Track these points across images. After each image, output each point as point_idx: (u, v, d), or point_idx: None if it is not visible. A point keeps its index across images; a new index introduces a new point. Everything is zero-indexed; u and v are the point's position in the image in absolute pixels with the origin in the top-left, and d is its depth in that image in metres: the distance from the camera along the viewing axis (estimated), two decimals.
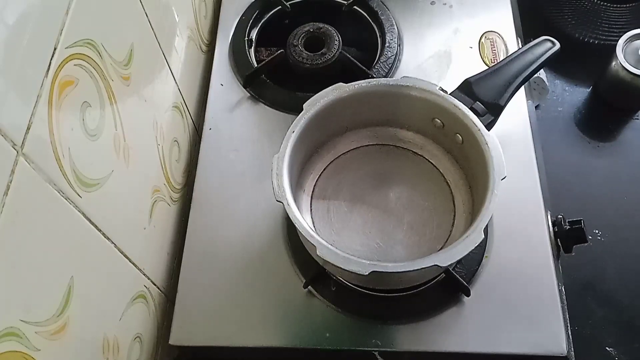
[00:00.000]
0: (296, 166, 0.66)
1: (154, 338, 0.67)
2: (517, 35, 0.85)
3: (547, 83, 0.93)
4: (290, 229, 0.71)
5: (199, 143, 0.79)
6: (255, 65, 0.84)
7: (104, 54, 0.54)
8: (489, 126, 0.64)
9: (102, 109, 0.54)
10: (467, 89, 0.67)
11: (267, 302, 0.68)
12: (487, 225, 0.57)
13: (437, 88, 0.65)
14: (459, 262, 0.66)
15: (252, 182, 0.75)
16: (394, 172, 0.71)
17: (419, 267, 0.55)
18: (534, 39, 0.71)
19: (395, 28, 0.85)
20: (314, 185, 0.71)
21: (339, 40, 0.82)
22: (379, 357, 0.65)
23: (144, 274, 0.64)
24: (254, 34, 0.88)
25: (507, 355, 0.63)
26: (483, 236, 0.55)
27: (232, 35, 0.88)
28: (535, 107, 0.86)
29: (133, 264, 0.60)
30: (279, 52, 0.83)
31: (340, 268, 0.55)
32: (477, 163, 0.62)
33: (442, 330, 0.65)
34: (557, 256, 0.69)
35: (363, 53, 0.86)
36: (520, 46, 0.80)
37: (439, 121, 0.67)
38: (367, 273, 0.54)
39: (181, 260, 0.71)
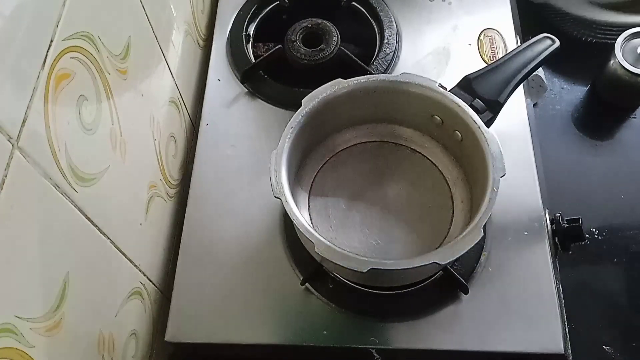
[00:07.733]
0: (294, 162, 0.66)
1: (149, 335, 0.67)
2: (516, 32, 0.84)
3: (545, 81, 0.93)
4: (287, 225, 0.71)
5: (196, 138, 0.78)
6: (253, 60, 0.83)
7: (100, 47, 0.53)
8: (488, 123, 0.64)
9: (99, 103, 0.53)
10: (466, 86, 0.66)
11: (263, 299, 0.67)
12: (485, 223, 0.56)
13: (437, 85, 0.65)
14: (457, 259, 0.66)
15: (249, 178, 0.75)
16: (393, 169, 0.71)
17: (418, 265, 0.55)
18: (532, 37, 0.70)
19: (394, 24, 0.85)
20: (312, 182, 0.70)
21: (337, 36, 0.81)
22: (376, 354, 0.64)
23: (140, 270, 0.63)
24: (251, 29, 0.88)
25: (504, 353, 0.63)
26: (482, 233, 0.55)
27: (230, 30, 0.87)
28: (533, 105, 0.86)
29: (129, 260, 0.60)
30: (276, 47, 0.82)
31: (339, 265, 0.55)
32: (476, 160, 0.62)
33: (440, 328, 0.64)
34: (555, 254, 0.69)
35: (361, 49, 0.86)
36: (519, 44, 0.80)
37: (438, 118, 0.67)
38: (366, 270, 0.54)
39: (177, 257, 0.70)
